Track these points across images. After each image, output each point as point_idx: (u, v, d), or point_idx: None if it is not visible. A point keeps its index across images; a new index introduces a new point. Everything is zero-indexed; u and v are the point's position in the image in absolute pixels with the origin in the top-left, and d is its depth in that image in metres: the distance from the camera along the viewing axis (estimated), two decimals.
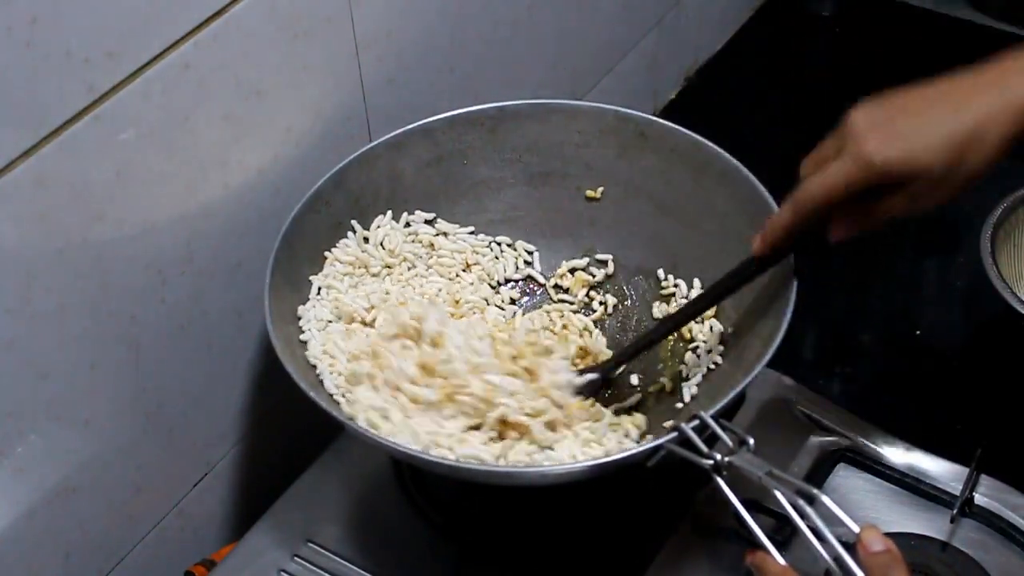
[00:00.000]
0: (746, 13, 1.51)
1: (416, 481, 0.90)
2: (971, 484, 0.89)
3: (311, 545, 0.87)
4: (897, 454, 0.93)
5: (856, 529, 0.67)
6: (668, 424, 0.81)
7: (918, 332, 1.13)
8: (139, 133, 0.76)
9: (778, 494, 0.69)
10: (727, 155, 0.91)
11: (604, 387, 0.91)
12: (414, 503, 0.90)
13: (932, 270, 1.21)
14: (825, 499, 0.67)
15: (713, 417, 0.74)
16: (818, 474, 0.92)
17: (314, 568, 0.85)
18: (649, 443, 0.75)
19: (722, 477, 0.72)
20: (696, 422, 0.74)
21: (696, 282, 0.94)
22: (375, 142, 0.94)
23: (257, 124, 0.85)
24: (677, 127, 0.94)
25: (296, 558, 0.86)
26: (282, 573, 0.85)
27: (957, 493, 0.88)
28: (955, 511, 0.87)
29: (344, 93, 0.92)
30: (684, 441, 0.74)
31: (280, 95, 0.86)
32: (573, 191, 0.99)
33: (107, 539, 0.86)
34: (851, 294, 1.18)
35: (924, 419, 1.03)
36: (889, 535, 0.86)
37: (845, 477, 0.92)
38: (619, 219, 0.98)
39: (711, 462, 0.72)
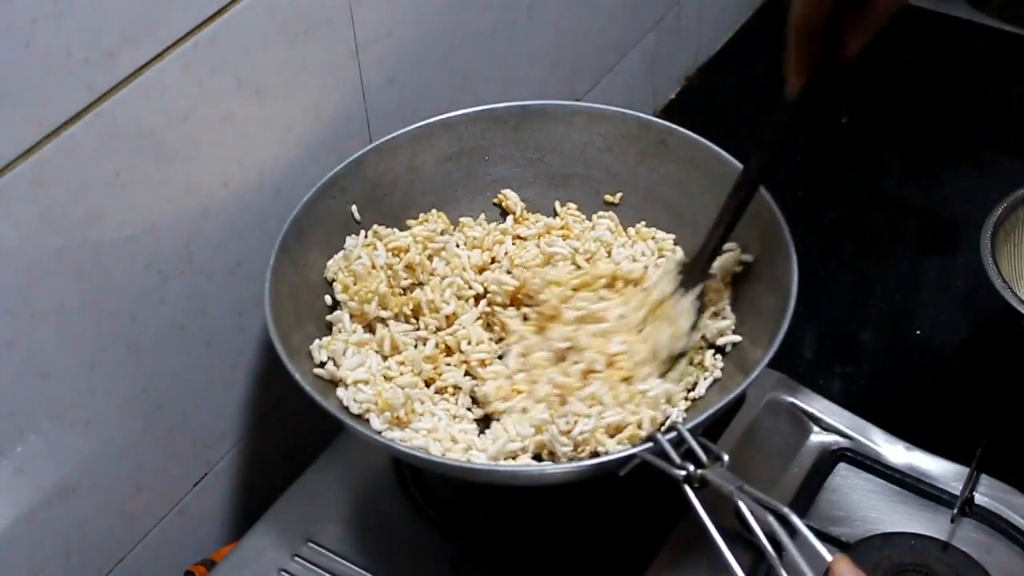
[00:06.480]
0: (746, 13, 1.51)
1: (416, 481, 0.90)
2: (971, 484, 0.89)
3: (311, 545, 0.87)
4: (897, 454, 0.93)
5: (829, 558, 0.64)
6: (644, 433, 0.81)
7: (918, 332, 1.13)
8: (139, 133, 0.76)
9: (747, 511, 0.68)
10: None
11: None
12: (414, 503, 0.90)
13: (932, 270, 1.21)
14: (795, 519, 0.66)
15: (690, 430, 0.74)
16: (818, 474, 0.92)
17: (314, 568, 0.85)
18: (623, 451, 0.75)
19: (693, 490, 0.71)
20: (673, 433, 0.74)
21: None
22: (396, 133, 0.94)
23: (257, 124, 0.85)
24: (698, 137, 0.93)
25: (296, 558, 0.86)
26: (282, 573, 0.85)
27: (957, 493, 0.89)
28: (955, 511, 0.87)
29: (344, 93, 0.92)
30: (660, 452, 0.73)
31: (280, 95, 0.86)
32: (592, 195, 0.98)
33: (107, 539, 0.86)
34: (851, 294, 1.18)
35: (924, 419, 1.02)
36: (889, 535, 0.87)
37: (845, 477, 0.92)
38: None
39: (683, 473, 0.72)
